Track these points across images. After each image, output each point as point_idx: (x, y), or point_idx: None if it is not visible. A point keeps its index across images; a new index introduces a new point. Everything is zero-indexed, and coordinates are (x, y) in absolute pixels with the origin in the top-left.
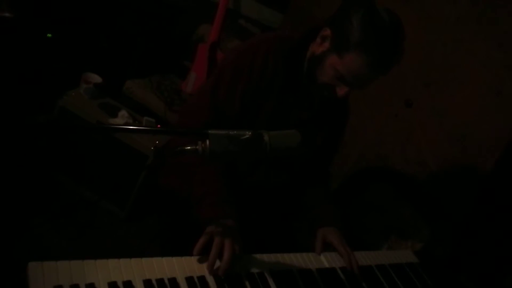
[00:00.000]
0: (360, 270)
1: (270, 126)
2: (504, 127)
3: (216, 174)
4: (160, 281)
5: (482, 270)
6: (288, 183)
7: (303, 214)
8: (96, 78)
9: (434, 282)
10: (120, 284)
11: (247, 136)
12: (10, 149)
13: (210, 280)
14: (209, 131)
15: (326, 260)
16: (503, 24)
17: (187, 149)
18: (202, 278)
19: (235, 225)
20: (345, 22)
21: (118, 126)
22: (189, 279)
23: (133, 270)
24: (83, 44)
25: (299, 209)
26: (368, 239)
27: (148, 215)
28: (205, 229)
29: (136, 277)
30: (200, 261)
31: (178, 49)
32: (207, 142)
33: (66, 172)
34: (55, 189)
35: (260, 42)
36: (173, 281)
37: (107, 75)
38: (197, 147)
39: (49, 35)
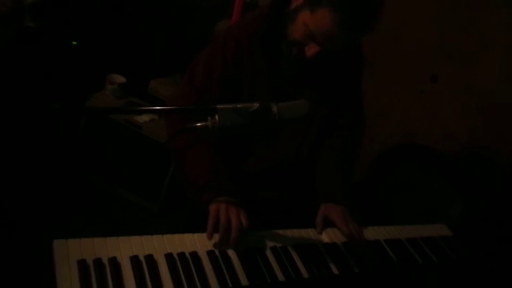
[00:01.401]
0: (391, 243)
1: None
2: None
3: (208, 154)
4: (181, 254)
5: None
6: (305, 159)
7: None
8: (120, 79)
9: (470, 254)
10: (141, 258)
11: (255, 107)
12: (41, 153)
13: (232, 253)
14: (218, 106)
15: (327, 237)
16: None
17: (198, 125)
18: (224, 252)
19: (237, 199)
20: None
21: (126, 108)
22: (211, 253)
23: (154, 245)
24: (106, 48)
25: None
26: (400, 219)
27: (181, 208)
28: (207, 210)
29: (158, 251)
30: None
31: (199, 47)
32: (216, 117)
33: (97, 171)
34: (87, 188)
35: (232, 28)
36: (195, 255)
37: (131, 76)
38: (207, 123)
39: (74, 42)
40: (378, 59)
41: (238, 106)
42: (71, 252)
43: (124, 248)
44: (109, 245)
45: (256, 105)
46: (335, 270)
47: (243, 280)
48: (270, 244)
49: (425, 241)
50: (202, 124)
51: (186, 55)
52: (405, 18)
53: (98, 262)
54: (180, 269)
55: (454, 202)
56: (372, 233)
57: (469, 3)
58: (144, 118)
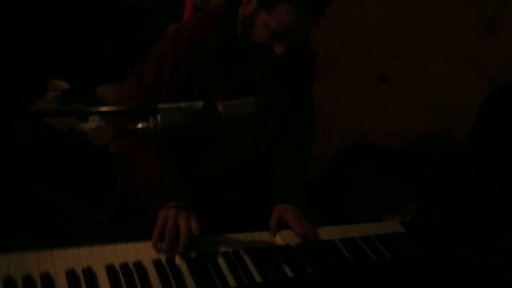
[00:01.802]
0: (345, 242)
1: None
2: (479, 89)
3: (158, 157)
4: (124, 266)
5: (471, 235)
6: (265, 152)
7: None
8: (63, 85)
9: (423, 249)
10: (79, 271)
11: (199, 107)
12: None
13: (180, 262)
14: (160, 106)
15: (281, 239)
16: None
17: (139, 127)
18: (171, 260)
19: (186, 203)
20: None
21: (67, 111)
22: (157, 262)
23: (94, 257)
24: (49, 53)
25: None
26: (356, 217)
27: (131, 218)
28: (156, 216)
29: (98, 263)
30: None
31: (148, 51)
32: (158, 117)
33: (41, 181)
34: (31, 200)
35: (183, 26)
36: (139, 265)
37: (76, 82)
38: (148, 124)
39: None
40: (329, 61)
41: (181, 105)
42: None
43: (59, 261)
44: (41, 259)
45: (200, 104)
46: (289, 273)
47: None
48: (221, 249)
49: (378, 238)
50: (143, 125)
51: (135, 60)
52: (354, 20)
53: (27, 279)
54: (122, 281)
55: (408, 198)
56: (327, 232)
57: (415, 4)
58: (90, 125)
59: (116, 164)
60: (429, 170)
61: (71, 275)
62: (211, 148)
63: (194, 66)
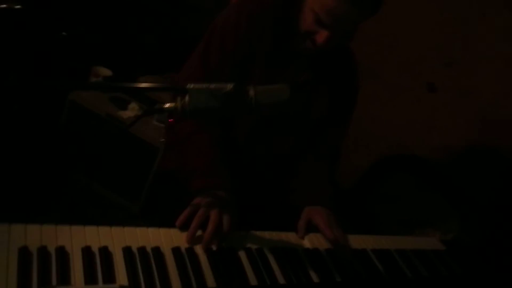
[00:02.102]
0: (378, 253)
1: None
2: None
3: (209, 145)
4: (142, 249)
5: None
6: (292, 156)
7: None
8: (106, 72)
9: (463, 270)
10: (95, 249)
11: (229, 89)
12: (23, 146)
13: (200, 252)
14: (188, 86)
15: (309, 242)
16: None
17: (166, 107)
18: (190, 250)
19: (228, 196)
20: None
21: (95, 84)
22: (176, 250)
23: (112, 237)
24: (95, 41)
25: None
26: (390, 231)
27: (162, 210)
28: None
29: (115, 244)
30: None
31: (192, 47)
32: (187, 98)
33: (77, 167)
34: (66, 184)
35: (242, 6)
36: (157, 251)
37: (118, 70)
38: (176, 104)
39: (63, 33)
40: (373, 68)
41: (211, 86)
42: (12, 239)
43: (77, 237)
44: (59, 233)
45: (230, 86)
46: (315, 278)
47: (210, 282)
48: (244, 245)
49: (415, 253)
50: (170, 105)
51: (178, 55)
52: (403, 26)
53: (42, 250)
54: (138, 264)
55: (448, 216)
56: (359, 241)
57: (468, 12)
58: (128, 113)
59: (151, 154)
60: (474, 188)
61: (87, 251)
62: (257, 140)
63: (252, 43)
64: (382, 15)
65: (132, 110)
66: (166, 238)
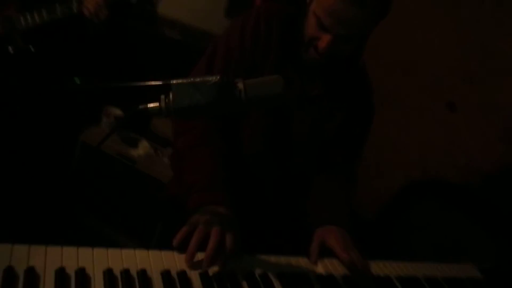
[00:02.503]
0: (404, 281)
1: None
2: None
3: (209, 158)
4: (125, 272)
5: None
6: (303, 177)
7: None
8: (117, 112)
9: None
10: (70, 271)
11: (215, 81)
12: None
13: (194, 276)
14: (171, 81)
15: (323, 268)
16: None
17: (149, 106)
18: (183, 274)
19: (229, 212)
20: None
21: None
22: (165, 274)
23: (93, 259)
24: (107, 83)
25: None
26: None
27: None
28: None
29: (96, 266)
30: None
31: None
32: (171, 95)
33: (87, 208)
34: (74, 225)
35: (248, 15)
36: (143, 274)
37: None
38: (160, 103)
39: (76, 78)
40: (388, 90)
41: (195, 80)
42: None
43: (52, 259)
44: (32, 254)
45: (216, 78)
46: None
47: None
48: (246, 269)
49: (448, 282)
50: (154, 105)
51: None
52: (417, 45)
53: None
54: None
55: (482, 243)
56: (381, 267)
57: (487, 26)
58: (138, 151)
59: (162, 192)
60: (508, 211)
61: (60, 274)
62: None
63: (257, 57)
64: (395, 36)
65: (143, 148)
66: (156, 261)
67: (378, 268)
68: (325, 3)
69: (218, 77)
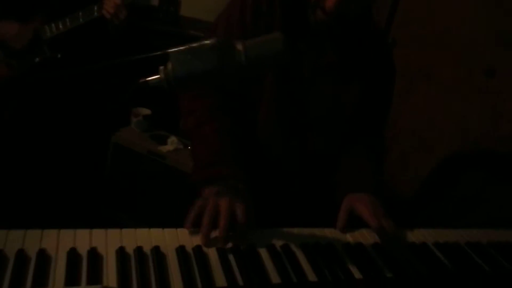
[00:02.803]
0: (443, 247)
1: (283, 79)
2: None
3: (216, 133)
4: (138, 249)
5: None
6: (326, 155)
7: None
8: (145, 111)
9: None
10: (82, 251)
11: (212, 43)
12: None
13: (210, 251)
14: (169, 51)
15: (352, 238)
16: None
17: (149, 79)
18: (198, 248)
19: (239, 185)
20: None
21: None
22: (180, 249)
23: (106, 239)
24: (135, 85)
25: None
26: None
27: None
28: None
29: (109, 245)
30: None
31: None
32: (169, 65)
33: (119, 206)
34: (106, 224)
35: None
36: (157, 250)
37: (159, 110)
38: (159, 75)
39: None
40: (421, 67)
41: (192, 45)
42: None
43: (64, 241)
44: (45, 237)
45: (213, 40)
46: (357, 274)
47: (220, 281)
48: (267, 241)
49: (494, 246)
50: (154, 77)
51: None
52: (448, 17)
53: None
54: (133, 265)
55: None
56: (417, 235)
57: None
58: (168, 147)
59: (194, 187)
60: None
61: (72, 254)
62: (266, 144)
63: (262, 29)
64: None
65: (172, 144)
66: (171, 239)
67: (414, 236)
68: None
69: (215, 40)
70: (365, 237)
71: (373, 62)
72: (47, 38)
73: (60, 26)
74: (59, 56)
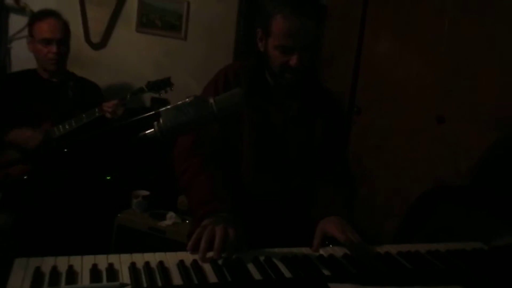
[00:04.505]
0: (406, 255)
1: (258, 132)
2: None
3: (210, 179)
4: (146, 264)
5: None
6: (300, 189)
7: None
8: (144, 193)
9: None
10: (102, 268)
11: (191, 100)
12: None
13: (206, 266)
14: (160, 109)
15: (325, 253)
16: None
17: (147, 133)
18: (195, 263)
19: (231, 216)
20: (262, 12)
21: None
22: (180, 263)
23: (120, 260)
24: (136, 173)
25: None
26: None
27: None
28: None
29: (122, 263)
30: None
31: None
32: (161, 120)
33: None
34: None
35: (219, 72)
36: (161, 264)
37: (158, 191)
38: (154, 129)
39: (108, 177)
40: (385, 118)
41: (177, 103)
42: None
43: (87, 261)
44: (71, 260)
45: (191, 98)
46: (326, 272)
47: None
48: (252, 257)
49: (452, 253)
50: (150, 131)
51: None
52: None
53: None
54: (142, 274)
55: (502, 230)
56: (382, 248)
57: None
58: (167, 222)
59: None
60: None
61: (94, 269)
62: (249, 183)
63: None
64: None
65: (170, 219)
66: (172, 258)
67: (381, 249)
68: (278, 31)
69: (192, 97)
70: (336, 251)
71: (326, 108)
72: (55, 137)
73: (67, 127)
74: (65, 150)
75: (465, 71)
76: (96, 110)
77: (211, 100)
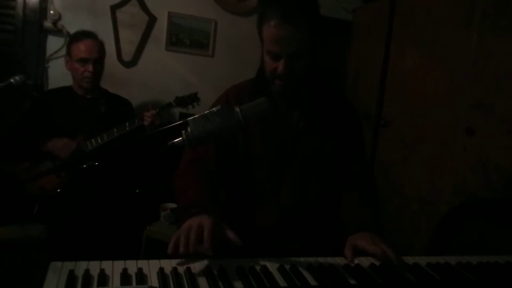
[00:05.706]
0: (436, 266)
1: (267, 147)
2: None
3: (192, 183)
4: (188, 269)
5: None
6: (321, 198)
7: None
8: (172, 205)
9: None
10: (131, 272)
11: (218, 108)
12: None
13: (230, 272)
14: (188, 119)
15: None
16: None
17: (175, 142)
18: (221, 269)
19: (210, 218)
20: (258, 18)
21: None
22: (207, 270)
23: (148, 264)
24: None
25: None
26: None
27: None
28: None
29: (151, 268)
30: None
31: None
32: (188, 129)
33: None
34: None
35: (221, 96)
36: (189, 271)
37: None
38: (182, 137)
39: (137, 190)
40: (413, 131)
41: (204, 113)
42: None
43: (117, 266)
44: (103, 265)
45: (218, 107)
46: (352, 282)
47: (237, 284)
48: (277, 265)
49: (483, 265)
50: (178, 140)
51: None
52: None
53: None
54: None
55: None
56: (416, 259)
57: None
58: None
59: None
60: None
61: (124, 273)
62: (265, 198)
63: None
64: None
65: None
66: (199, 265)
67: (409, 261)
68: (267, 37)
69: (219, 106)
70: (362, 261)
71: (338, 116)
72: (87, 151)
73: (99, 140)
74: (96, 164)
75: (493, 83)
76: (136, 120)
77: (237, 109)
